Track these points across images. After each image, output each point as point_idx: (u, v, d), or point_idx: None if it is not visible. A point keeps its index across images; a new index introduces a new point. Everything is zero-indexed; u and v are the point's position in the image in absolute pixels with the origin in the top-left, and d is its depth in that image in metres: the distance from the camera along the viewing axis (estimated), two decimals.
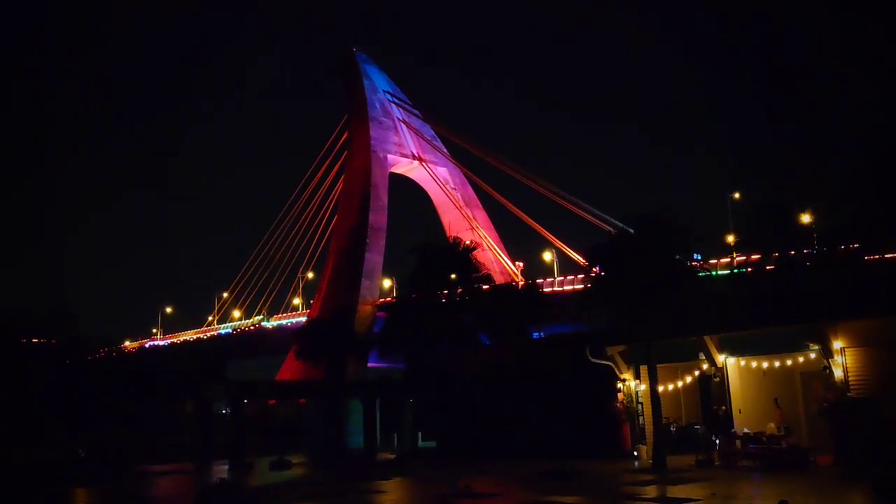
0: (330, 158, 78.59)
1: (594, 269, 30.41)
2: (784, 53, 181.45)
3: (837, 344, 25.22)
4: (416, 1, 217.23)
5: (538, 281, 61.27)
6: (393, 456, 41.87)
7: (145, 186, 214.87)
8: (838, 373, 25.14)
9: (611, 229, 59.06)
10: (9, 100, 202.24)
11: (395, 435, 51.84)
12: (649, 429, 29.89)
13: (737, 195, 56.05)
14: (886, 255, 31.66)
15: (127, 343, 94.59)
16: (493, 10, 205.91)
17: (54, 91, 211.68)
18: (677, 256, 28.76)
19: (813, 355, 26.48)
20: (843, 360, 25.13)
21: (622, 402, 32.20)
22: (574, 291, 54.98)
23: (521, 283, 58.46)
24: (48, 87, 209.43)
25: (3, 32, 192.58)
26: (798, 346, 26.79)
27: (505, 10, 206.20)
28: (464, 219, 74.96)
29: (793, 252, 33.60)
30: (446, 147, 78.70)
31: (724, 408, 28.60)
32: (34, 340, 44.44)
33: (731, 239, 51.93)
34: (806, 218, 38.30)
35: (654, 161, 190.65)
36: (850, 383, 24.99)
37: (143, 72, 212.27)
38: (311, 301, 75.85)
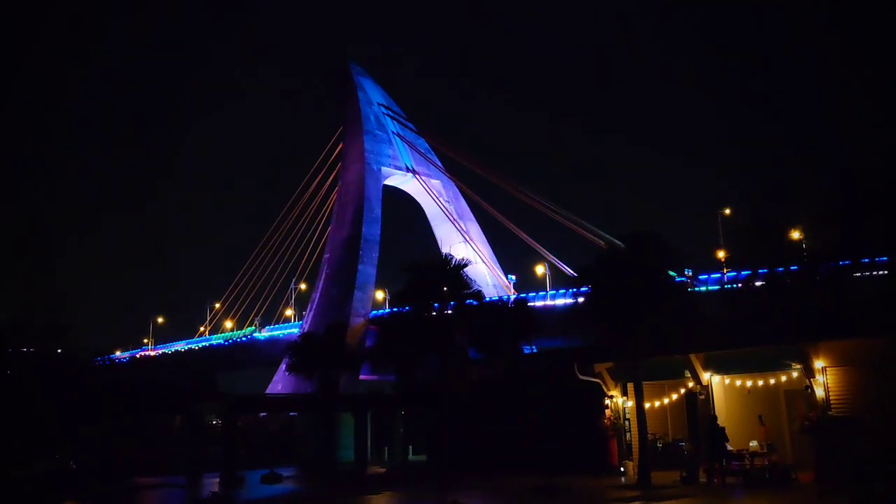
0: (324, 170, 79.11)
1: (585, 285, 30.70)
2: (779, 72, 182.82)
3: (819, 363, 25.71)
4: (411, 13, 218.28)
5: (530, 295, 61.69)
6: (384, 470, 42.10)
7: (139, 196, 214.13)
8: (820, 392, 25.59)
9: (602, 243, 59.77)
10: (3, 108, 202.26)
11: (386, 448, 52.15)
12: (636, 445, 30.23)
13: (727, 211, 56.57)
14: (873, 273, 31.76)
15: (118, 353, 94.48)
16: (486, 22, 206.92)
17: (52, 101, 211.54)
18: (667, 273, 29.11)
19: (795, 374, 26.99)
20: (825, 379, 25.62)
21: (609, 418, 32.55)
22: (565, 306, 55.37)
23: (511, 298, 58.71)
24: (45, 96, 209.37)
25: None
26: (781, 365, 27.25)
27: (498, 19, 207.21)
28: (457, 231, 75.39)
29: (781, 269, 33.81)
30: (440, 160, 79.26)
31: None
32: (23, 350, 44.29)
33: (721, 255, 52.55)
34: (796, 234, 38.60)
35: (646, 175, 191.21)
36: (832, 402, 25.47)
37: (134, 82, 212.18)
38: (304, 312, 76.08)
